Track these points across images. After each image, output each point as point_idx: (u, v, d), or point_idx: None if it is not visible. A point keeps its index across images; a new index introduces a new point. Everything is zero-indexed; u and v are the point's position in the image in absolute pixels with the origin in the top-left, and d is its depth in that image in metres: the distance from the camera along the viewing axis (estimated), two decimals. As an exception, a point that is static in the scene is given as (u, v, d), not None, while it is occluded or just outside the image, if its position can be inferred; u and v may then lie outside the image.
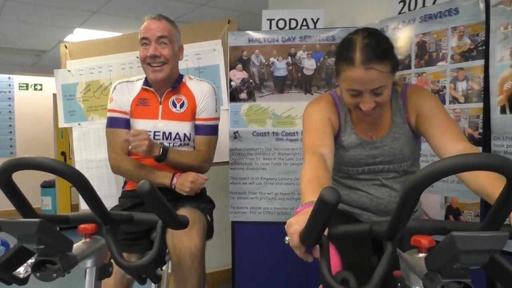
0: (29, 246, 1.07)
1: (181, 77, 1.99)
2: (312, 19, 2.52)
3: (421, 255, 0.92)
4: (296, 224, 0.99)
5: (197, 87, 1.96)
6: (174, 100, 1.95)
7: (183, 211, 1.76)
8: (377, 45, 1.34)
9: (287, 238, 1.03)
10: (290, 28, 2.55)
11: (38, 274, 1.09)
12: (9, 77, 7.37)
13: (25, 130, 7.54)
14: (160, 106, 1.94)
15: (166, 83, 1.93)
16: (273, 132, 2.51)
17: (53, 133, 6.77)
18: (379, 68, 1.31)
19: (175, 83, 1.95)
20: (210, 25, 2.59)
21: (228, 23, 2.55)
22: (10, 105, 7.49)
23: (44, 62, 5.88)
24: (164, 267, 1.79)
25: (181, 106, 1.94)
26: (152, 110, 1.94)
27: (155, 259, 1.16)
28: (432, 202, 2.02)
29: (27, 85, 7.60)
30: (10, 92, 7.48)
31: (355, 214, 1.64)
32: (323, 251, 0.96)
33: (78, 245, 1.23)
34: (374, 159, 1.54)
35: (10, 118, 7.50)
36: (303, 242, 0.98)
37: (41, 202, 6.60)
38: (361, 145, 1.54)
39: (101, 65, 2.68)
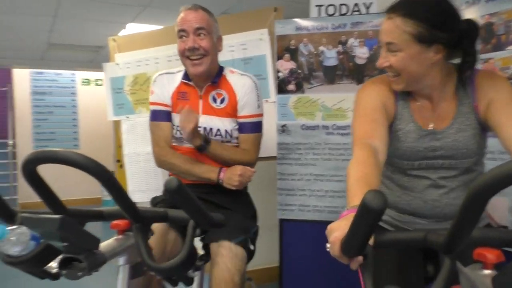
0: (54, 243, 1.03)
1: (221, 69, 1.90)
2: (364, 3, 2.35)
3: (487, 272, 0.77)
4: (337, 231, 0.87)
5: (238, 83, 1.86)
6: (215, 95, 1.86)
7: (225, 249, 1.65)
8: (415, 2, 1.21)
9: (328, 245, 0.91)
10: (340, 14, 2.38)
11: (64, 272, 1.05)
12: (73, 73, 7.71)
13: (87, 124, 7.86)
14: (201, 101, 1.87)
15: (206, 77, 1.85)
16: (323, 126, 2.37)
17: (113, 127, 7.00)
18: (398, 22, 1.20)
19: (215, 77, 1.86)
20: (256, 14, 2.49)
21: (275, 11, 2.43)
22: (73, 100, 7.84)
23: (102, 58, 6.05)
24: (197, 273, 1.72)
25: (222, 101, 1.85)
26: (192, 104, 1.86)
27: (185, 261, 1.09)
28: (498, 206, 1.79)
29: (88, 80, 7.91)
30: (73, 87, 7.82)
31: (406, 223, 1.46)
32: (367, 263, 0.83)
33: (107, 243, 1.18)
34: (434, 153, 1.35)
35: (74, 112, 7.85)
36: (344, 252, 0.85)
37: (101, 193, 6.86)
38: (420, 135, 1.35)
39: (148, 57, 2.66)
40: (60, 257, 1.13)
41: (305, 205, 2.42)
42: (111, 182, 1.03)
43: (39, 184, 1.06)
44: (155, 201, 1.93)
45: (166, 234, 1.74)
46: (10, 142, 7.22)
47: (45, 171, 1.05)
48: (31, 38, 4.97)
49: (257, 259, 1.86)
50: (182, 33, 1.78)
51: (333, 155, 2.37)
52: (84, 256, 1.02)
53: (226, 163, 1.81)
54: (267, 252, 3.03)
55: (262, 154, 1.99)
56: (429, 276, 1.38)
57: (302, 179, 2.42)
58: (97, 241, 1.06)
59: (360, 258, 0.85)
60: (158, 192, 2.56)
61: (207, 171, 1.80)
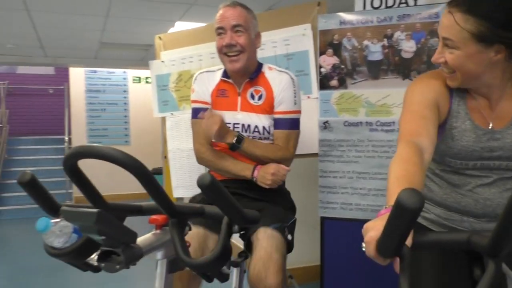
0: (93, 236, 1.06)
1: (260, 66, 1.90)
2: (412, -5, 2.25)
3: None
4: (373, 230, 0.84)
5: (276, 79, 1.85)
6: (253, 92, 1.86)
7: (261, 234, 1.65)
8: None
9: (363, 245, 0.88)
10: (386, 7, 2.30)
11: (103, 265, 1.08)
12: (124, 71, 8.00)
13: (137, 120, 8.13)
14: (239, 98, 1.88)
15: (244, 73, 1.86)
16: (366, 122, 2.30)
17: (161, 124, 7.19)
18: (458, 17, 1.13)
19: (253, 73, 1.87)
20: (299, 9, 2.45)
21: (318, 5, 2.38)
22: (125, 97, 8.13)
23: (152, 56, 6.22)
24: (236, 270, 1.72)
25: (259, 98, 1.85)
26: (231, 101, 1.88)
27: (219, 257, 1.09)
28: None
29: (139, 78, 8.18)
30: (125, 85, 8.12)
31: (453, 221, 1.39)
32: (404, 265, 0.80)
33: (146, 237, 1.21)
34: (491, 153, 1.27)
35: (125, 109, 8.14)
36: (380, 253, 0.82)
37: (151, 188, 7.07)
38: (477, 135, 1.27)
39: (192, 54, 2.70)
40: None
41: (347, 203, 2.37)
42: (146, 177, 1.04)
43: (79, 178, 1.10)
44: (194, 201, 1.96)
45: (206, 241, 1.74)
46: (66, 138, 7.60)
47: (102, 166, 1.09)
48: (85, 38, 5.18)
49: (298, 257, 1.84)
50: (220, 30, 1.81)
51: (376, 152, 2.30)
52: (121, 250, 1.05)
53: (260, 161, 1.81)
54: (308, 250, 3.00)
55: (303, 151, 1.97)
56: (475, 281, 1.31)
57: (344, 177, 2.37)
58: (134, 235, 1.08)
59: (397, 259, 0.82)
60: (201, 187, 2.61)
61: (242, 169, 1.81)
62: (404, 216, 0.70)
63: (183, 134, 2.76)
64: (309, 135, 2.36)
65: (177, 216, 1.17)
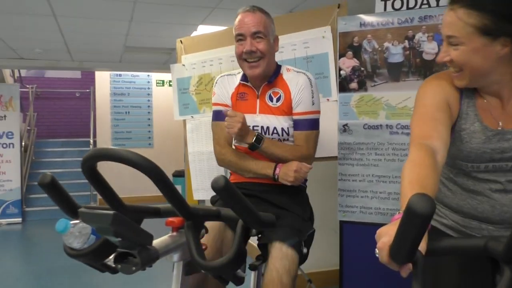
0: (109, 238, 1.08)
1: (278, 68, 1.91)
2: (434, -5, 2.21)
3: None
4: (385, 236, 0.83)
5: (293, 80, 1.86)
6: (271, 94, 1.87)
7: (276, 251, 1.64)
8: None
9: (377, 251, 0.87)
10: (407, 8, 2.27)
11: (119, 266, 1.10)
12: (148, 75, 8.12)
13: (160, 123, 8.23)
14: (258, 100, 1.89)
15: (263, 77, 1.87)
16: (386, 125, 2.27)
17: (184, 127, 7.26)
18: (460, 14, 1.12)
19: (272, 76, 1.88)
20: (319, 11, 2.44)
21: (338, 7, 2.36)
22: (149, 100, 8.25)
23: (175, 60, 6.28)
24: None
25: (278, 99, 1.86)
26: (250, 104, 1.90)
27: (233, 260, 1.09)
28: None
29: (163, 81, 8.28)
30: (149, 88, 8.24)
31: (471, 229, 1.35)
32: (417, 271, 0.78)
33: (162, 239, 1.22)
34: (502, 154, 1.24)
35: (148, 113, 8.26)
36: (393, 259, 0.81)
37: (173, 190, 7.13)
38: (487, 136, 1.24)
39: (212, 58, 2.72)
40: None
41: (367, 207, 2.34)
42: (162, 179, 1.05)
43: (97, 181, 1.12)
44: (214, 200, 1.97)
45: (223, 232, 1.77)
46: (91, 140, 7.75)
47: (125, 169, 1.11)
48: (110, 42, 5.28)
49: (317, 262, 1.83)
50: (239, 37, 1.82)
51: (397, 155, 2.26)
52: (137, 251, 1.06)
53: (280, 161, 1.81)
54: (327, 254, 2.98)
55: (323, 154, 1.96)
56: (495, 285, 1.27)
57: (364, 180, 2.34)
58: (150, 237, 1.09)
59: (410, 265, 0.81)
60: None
61: (264, 167, 1.81)
62: (415, 221, 0.69)
63: (203, 137, 2.78)
64: (329, 138, 2.35)
65: (192, 219, 1.18)
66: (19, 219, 6.51)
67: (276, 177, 1.79)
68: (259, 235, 1.65)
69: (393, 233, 0.81)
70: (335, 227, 2.54)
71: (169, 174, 7.07)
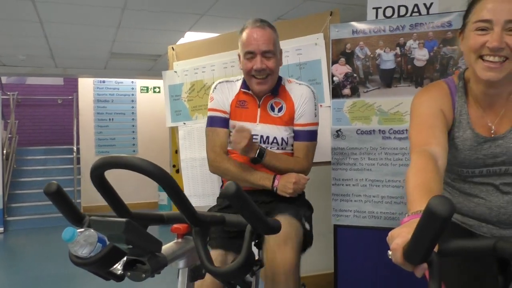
0: (119, 245, 1.07)
1: (280, 80, 1.92)
2: (424, 4, 2.27)
3: None
4: (399, 238, 0.85)
5: (296, 91, 1.89)
6: (273, 104, 1.90)
7: (281, 219, 1.67)
8: None
9: (390, 252, 0.89)
10: (399, 16, 2.32)
11: (128, 273, 1.10)
12: (132, 81, 8.07)
13: (145, 130, 8.18)
14: (259, 110, 1.90)
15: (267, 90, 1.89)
16: (379, 130, 2.31)
17: (169, 133, 7.25)
18: None
19: (274, 87, 1.89)
20: (312, 19, 2.47)
21: (331, 15, 2.40)
22: (133, 107, 8.19)
23: (160, 66, 6.27)
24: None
25: (280, 110, 1.88)
26: (250, 113, 1.90)
27: (243, 265, 1.10)
28: None
29: (147, 88, 8.24)
30: (133, 95, 8.18)
31: (471, 226, 1.40)
32: (433, 271, 0.80)
33: (169, 246, 1.22)
34: (495, 159, 1.29)
35: (133, 119, 8.20)
36: (407, 259, 0.83)
37: (158, 197, 7.09)
38: (478, 142, 1.30)
39: (205, 65, 2.72)
40: (124, 259, 1.19)
41: (361, 211, 2.37)
42: (172, 187, 1.06)
43: (106, 189, 1.12)
44: (213, 210, 1.97)
45: (226, 261, 1.76)
46: (75, 148, 7.64)
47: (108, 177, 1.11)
48: (96, 48, 5.24)
49: (311, 265, 1.85)
50: (249, 54, 1.80)
51: (390, 160, 2.31)
52: (147, 259, 1.06)
53: (280, 173, 1.83)
54: (321, 258, 3.00)
55: (316, 159, 1.98)
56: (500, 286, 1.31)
57: (357, 185, 2.37)
58: (159, 244, 1.09)
59: (425, 265, 0.83)
60: (214, 197, 2.62)
61: (262, 178, 1.82)
62: (435, 222, 0.71)
63: (195, 144, 2.77)
64: (322, 143, 2.37)
65: (200, 225, 1.19)
66: (1, 229, 6.37)
67: (275, 188, 1.80)
68: (257, 241, 1.67)
69: (406, 235, 0.83)
70: (329, 231, 2.56)
71: (154, 181, 7.03)
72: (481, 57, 1.20)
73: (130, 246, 1.04)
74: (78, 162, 7.63)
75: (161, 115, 8.07)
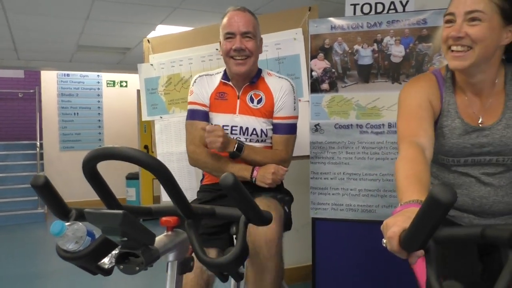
0: (113, 238, 1.05)
1: (259, 71, 1.94)
2: (400, 1, 2.33)
3: None
4: (395, 226, 0.87)
5: (276, 84, 1.90)
6: (252, 96, 1.90)
7: (259, 201, 1.69)
8: None
9: (384, 241, 0.91)
10: (376, 13, 2.37)
11: (121, 267, 1.08)
12: (98, 75, 7.86)
13: (112, 125, 8.00)
14: (238, 101, 1.91)
15: (245, 77, 1.90)
16: (357, 125, 2.36)
17: (137, 128, 7.12)
18: None
19: (254, 77, 1.91)
20: (290, 14, 2.49)
21: (309, 10, 2.43)
22: (99, 101, 7.99)
23: (129, 60, 6.15)
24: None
25: (259, 102, 1.89)
26: (230, 104, 1.91)
27: (238, 256, 1.10)
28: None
29: (114, 82, 8.05)
30: (99, 89, 7.98)
31: (453, 216, 1.45)
32: (430, 257, 0.83)
33: (160, 238, 1.21)
34: (481, 149, 1.34)
35: (99, 114, 7.99)
36: (404, 247, 0.85)
37: (126, 193, 6.95)
38: (467, 132, 1.34)
39: (182, 58, 2.69)
40: (115, 252, 1.16)
41: (338, 204, 2.42)
42: (168, 178, 1.05)
43: (97, 181, 1.09)
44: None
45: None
46: (38, 143, 7.39)
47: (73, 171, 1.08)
48: (62, 40, 5.06)
49: (289, 258, 1.88)
50: (229, 34, 1.83)
51: (367, 154, 2.36)
52: (141, 251, 1.05)
53: (259, 165, 1.85)
54: (299, 251, 3.03)
55: (295, 153, 2.00)
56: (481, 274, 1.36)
57: (335, 178, 2.41)
58: (153, 236, 1.08)
59: (419, 252, 0.85)
60: (191, 191, 2.60)
61: (240, 170, 1.83)
62: (437, 210, 0.74)
63: (172, 138, 2.74)
64: (301, 137, 2.39)
65: (193, 217, 1.18)
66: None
67: (253, 179, 1.82)
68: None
69: (402, 223, 0.86)
70: (307, 224, 2.60)
71: (122, 177, 6.91)
72: (449, 48, 1.27)
73: (125, 239, 1.03)
74: (42, 158, 7.39)
75: (129, 109, 7.97)
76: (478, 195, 1.37)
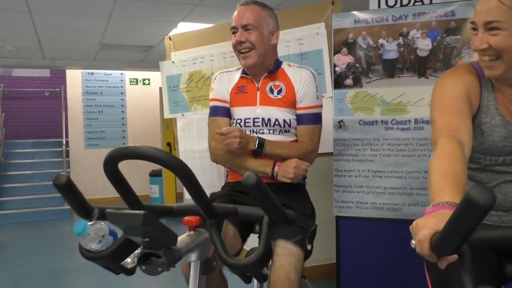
0: (135, 239, 1.04)
1: (279, 63, 1.92)
2: (427, -7, 2.25)
3: None
4: (426, 228, 0.83)
5: (296, 74, 1.87)
6: (272, 86, 1.88)
7: (280, 248, 1.65)
8: None
9: (413, 242, 0.87)
10: (401, 5, 2.30)
11: (143, 267, 1.07)
12: (121, 73, 7.95)
13: (135, 122, 8.08)
14: (258, 92, 1.89)
15: (261, 69, 1.88)
16: (382, 121, 2.30)
17: (160, 125, 7.17)
18: None
19: (272, 68, 1.89)
20: (313, 8, 2.44)
21: (332, 4, 2.37)
22: (122, 99, 8.08)
23: (151, 58, 6.19)
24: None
25: (279, 92, 1.86)
26: (250, 97, 1.90)
27: (262, 257, 1.08)
28: None
29: (136, 80, 8.13)
30: (122, 87, 8.06)
31: None
32: (466, 262, 0.79)
33: (182, 238, 1.19)
34: None
35: (122, 111, 8.09)
36: (436, 250, 0.81)
37: (149, 190, 7.02)
38: (508, 129, 1.27)
39: (203, 55, 2.68)
40: (138, 252, 1.15)
41: (363, 202, 2.36)
42: (189, 178, 1.04)
43: (118, 180, 1.08)
44: (214, 197, 1.95)
45: (225, 228, 1.76)
46: (64, 141, 7.52)
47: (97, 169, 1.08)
48: (86, 39, 5.13)
49: (312, 256, 1.84)
50: (233, 29, 1.86)
51: (392, 150, 2.30)
52: (163, 252, 1.03)
53: (283, 160, 1.81)
54: (322, 249, 2.99)
55: (319, 150, 1.96)
56: (508, 277, 1.31)
57: (359, 176, 2.36)
58: (175, 236, 1.07)
59: (452, 257, 0.81)
60: (214, 188, 2.59)
61: (262, 165, 1.81)
62: (474, 213, 0.70)
63: (194, 135, 2.73)
64: (324, 134, 2.34)
65: (215, 217, 1.16)
66: (-10, 223, 6.26)
67: (275, 174, 1.79)
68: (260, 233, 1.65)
69: (434, 225, 0.81)
70: (331, 222, 2.56)
71: (145, 174, 6.98)
72: (480, 56, 1.23)
73: (147, 239, 1.01)
74: (67, 155, 7.53)
75: (152, 107, 8.04)
76: (509, 194, 1.30)
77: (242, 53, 1.84)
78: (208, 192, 2.47)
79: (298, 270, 1.65)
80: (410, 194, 2.25)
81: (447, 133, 1.15)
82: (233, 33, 1.86)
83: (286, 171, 1.77)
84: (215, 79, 1.97)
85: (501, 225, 1.35)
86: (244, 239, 1.85)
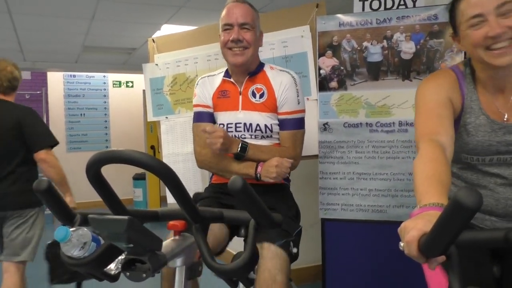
0: (118, 245, 1.02)
1: (261, 65, 1.91)
2: (411, -3, 2.28)
3: None
4: (414, 230, 0.83)
5: (276, 78, 1.85)
6: (254, 90, 1.86)
7: (265, 251, 1.63)
8: None
9: (402, 244, 0.87)
10: (385, 9, 2.32)
11: (128, 274, 1.04)
12: (104, 75, 7.86)
13: (118, 125, 7.99)
14: (240, 97, 1.88)
15: (245, 70, 1.86)
16: (366, 123, 2.31)
17: (143, 128, 7.10)
18: None
19: (254, 70, 1.88)
20: (297, 11, 2.45)
21: (317, 7, 2.38)
22: (105, 102, 7.98)
23: (135, 60, 6.13)
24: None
25: (261, 96, 1.85)
26: (232, 101, 1.88)
27: (248, 262, 1.06)
28: None
29: (119, 82, 8.04)
30: (105, 89, 7.97)
31: (474, 219, 1.39)
32: (453, 263, 0.79)
33: (167, 243, 1.17)
34: (508, 147, 1.28)
35: (105, 114, 7.99)
36: (423, 252, 0.81)
37: (133, 194, 6.95)
38: (493, 129, 1.28)
39: (187, 57, 2.66)
40: (121, 258, 1.13)
41: (348, 204, 2.37)
42: (174, 182, 1.02)
43: (101, 185, 1.06)
44: (197, 198, 1.92)
45: (211, 226, 1.74)
46: (45, 144, 7.39)
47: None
48: (68, 41, 5.06)
49: (298, 258, 1.83)
50: (227, 26, 1.81)
51: (377, 153, 2.31)
52: (147, 257, 1.01)
53: None
54: (308, 251, 2.99)
55: (304, 152, 1.96)
56: (495, 277, 1.32)
57: (344, 178, 2.37)
58: (160, 242, 1.05)
59: (440, 258, 0.81)
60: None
61: (245, 167, 1.80)
62: (461, 214, 0.70)
63: (178, 138, 2.71)
64: (309, 136, 2.35)
65: (201, 221, 1.14)
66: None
67: (258, 175, 1.78)
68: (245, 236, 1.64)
69: (422, 227, 0.82)
70: (316, 224, 2.56)
71: (129, 177, 6.90)
72: (488, 47, 1.20)
73: (131, 245, 0.99)
74: (49, 159, 7.39)
75: (135, 110, 7.96)
76: (504, 196, 1.31)
77: (234, 50, 1.80)
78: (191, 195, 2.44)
79: (284, 272, 1.64)
80: (395, 196, 2.27)
81: (428, 137, 1.17)
82: (226, 29, 1.81)
83: (268, 171, 1.76)
84: (197, 84, 1.96)
85: None
86: (229, 237, 1.84)
